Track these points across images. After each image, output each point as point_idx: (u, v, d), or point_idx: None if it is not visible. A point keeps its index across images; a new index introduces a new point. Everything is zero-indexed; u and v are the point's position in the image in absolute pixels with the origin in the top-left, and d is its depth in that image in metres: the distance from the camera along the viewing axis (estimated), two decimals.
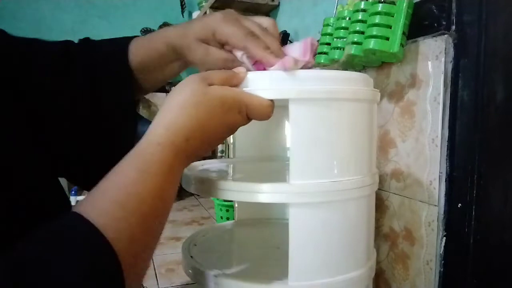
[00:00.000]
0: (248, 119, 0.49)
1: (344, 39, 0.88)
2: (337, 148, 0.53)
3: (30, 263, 0.28)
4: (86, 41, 0.63)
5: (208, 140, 0.45)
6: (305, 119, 0.51)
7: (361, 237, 0.57)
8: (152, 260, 1.39)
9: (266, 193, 0.51)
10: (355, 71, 0.99)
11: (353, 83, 0.54)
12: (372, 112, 0.58)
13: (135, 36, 0.62)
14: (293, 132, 0.51)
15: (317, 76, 0.52)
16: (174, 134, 0.41)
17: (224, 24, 0.51)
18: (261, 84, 0.50)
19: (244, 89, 0.50)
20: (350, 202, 0.55)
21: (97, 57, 0.59)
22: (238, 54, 0.53)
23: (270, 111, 0.49)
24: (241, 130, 0.51)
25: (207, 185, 0.57)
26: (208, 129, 0.44)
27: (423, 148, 0.78)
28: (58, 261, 0.29)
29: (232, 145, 0.95)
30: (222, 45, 0.53)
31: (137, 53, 0.59)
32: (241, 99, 0.47)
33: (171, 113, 0.43)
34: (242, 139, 0.90)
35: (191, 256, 0.65)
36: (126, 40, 0.61)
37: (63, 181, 0.57)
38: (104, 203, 0.35)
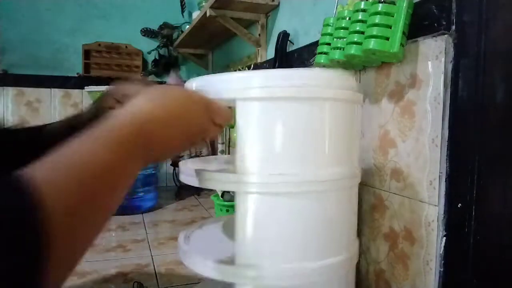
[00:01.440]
0: (214, 125, 0.51)
1: (344, 39, 0.88)
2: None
3: None
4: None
5: (171, 124, 0.44)
6: (252, 116, 0.59)
7: (320, 229, 0.62)
8: (152, 260, 1.39)
9: (216, 181, 0.61)
10: (355, 71, 0.99)
11: (333, 84, 0.62)
12: (354, 112, 0.64)
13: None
14: (240, 127, 0.59)
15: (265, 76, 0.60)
16: (132, 111, 0.42)
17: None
18: (222, 85, 0.59)
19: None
20: (298, 194, 0.61)
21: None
22: None
23: (230, 114, 0.53)
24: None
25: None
26: (171, 113, 0.44)
27: (423, 148, 0.78)
28: None
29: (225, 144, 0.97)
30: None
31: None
32: (207, 98, 0.51)
33: (135, 99, 0.44)
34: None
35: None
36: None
37: None
38: (51, 162, 0.34)
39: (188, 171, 0.66)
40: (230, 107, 0.55)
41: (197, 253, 0.66)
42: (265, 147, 0.60)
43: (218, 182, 0.62)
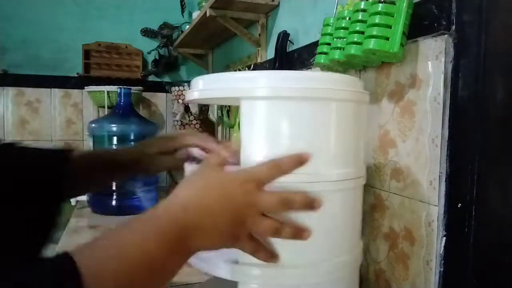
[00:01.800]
0: (261, 216, 0.47)
1: (344, 39, 0.88)
2: (294, 144, 0.58)
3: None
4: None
5: (207, 213, 0.43)
6: (256, 116, 0.58)
7: (326, 229, 0.60)
8: None
9: None
10: (355, 71, 0.99)
11: (339, 84, 0.61)
12: (360, 112, 0.63)
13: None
14: (244, 127, 0.58)
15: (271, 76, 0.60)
16: (172, 203, 0.43)
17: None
18: (225, 84, 0.59)
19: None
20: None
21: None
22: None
23: (280, 202, 0.49)
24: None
25: None
26: (205, 200, 0.44)
27: (423, 148, 0.78)
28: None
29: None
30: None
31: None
32: (256, 191, 0.48)
33: (178, 189, 0.46)
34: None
35: None
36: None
37: None
38: (96, 250, 0.36)
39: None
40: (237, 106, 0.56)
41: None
42: (273, 147, 0.58)
43: None
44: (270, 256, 0.50)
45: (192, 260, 0.66)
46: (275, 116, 0.58)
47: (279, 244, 0.56)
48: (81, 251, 0.35)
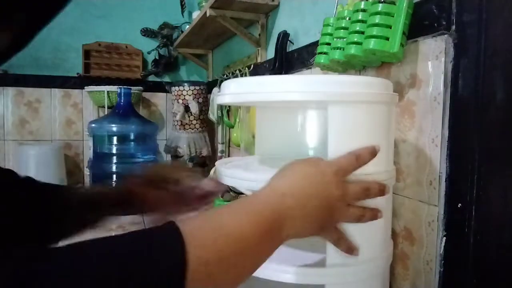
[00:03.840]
0: (348, 206, 0.50)
1: (344, 39, 0.88)
2: (365, 144, 0.58)
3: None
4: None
5: (303, 204, 0.45)
6: (342, 119, 0.58)
7: (378, 228, 0.62)
8: None
9: None
10: (355, 71, 0.99)
11: (377, 87, 0.61)
12: (391, 113, 0.64)
13: None
14: (330, 130, 0.58)
15: (349, 81, 0.60)
16: (270, 191, 0.46)
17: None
18: (295, 87, 0.58)
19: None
20: None
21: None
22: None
23: (365, 191, 0.52)
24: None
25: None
26: (302, 191, 0.46)
27: (423, 148, 0.78)
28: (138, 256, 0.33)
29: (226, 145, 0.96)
30: None
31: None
32: (341, 182, 0.50)
33: (274, 180, 0.48)
34: (262, 138, 0.90)
35: None
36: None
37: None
38: (199, 221, 0.39)
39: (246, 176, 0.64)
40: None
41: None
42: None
43: None
44: (351, 247, 0.53)
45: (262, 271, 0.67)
46: (359, 119, 0.59)
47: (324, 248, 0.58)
48: (183, 222, 0.37)
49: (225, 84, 0.66)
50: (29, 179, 0.59)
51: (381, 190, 0.53)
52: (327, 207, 0.47)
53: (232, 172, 0.67)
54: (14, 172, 0.58)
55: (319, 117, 0.82)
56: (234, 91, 0.64)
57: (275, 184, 0.47)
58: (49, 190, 0.62)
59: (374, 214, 0.53)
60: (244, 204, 0.44)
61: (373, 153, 0.53)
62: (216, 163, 0.75)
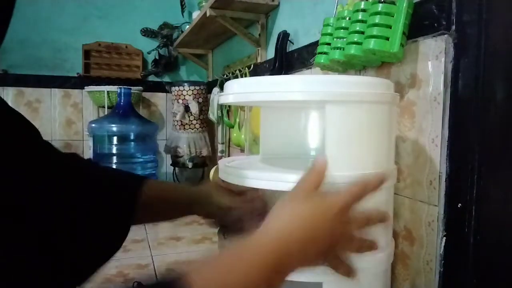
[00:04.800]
0: (349, 238, 0.51)
1: (344, 39, 0.88)
2: (365, 144, 0.59)
3: None
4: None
5: (308, 244, 0.46)
6: (339, 119, 0.58)
7: (379, 228, 0.62)
8: (152, 260, 1.39)
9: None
10: (355, 71, 0.99)
11: (379, 87, 0.62)
12: (392, 113, 0.64)
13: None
14: (328, 130, 0.58)
15: (352, 81, 0.60)
16: (274, 233, 0.46)
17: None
18: (297, 87, 0.58)
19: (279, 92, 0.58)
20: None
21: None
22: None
23: (364, 221, 0.52)
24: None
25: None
26: (307, 233, 0.47)
27: (423, 148, 0.78)
28: None
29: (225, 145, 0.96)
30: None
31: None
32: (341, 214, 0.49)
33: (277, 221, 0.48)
34: (265, 139, 0.90)
35: None
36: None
37: None
38: (208, 272, 0.41)
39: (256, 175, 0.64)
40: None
41: None
42: (355, 148, 0.60)
43: None
44: (350, 271, 0.54)
45: None
46: (355, 119, 0.59)
47: None
48: (195, 270, 0.39)
49: (228, 84, 0.67)
50: (98, 166, 0.62)
51: (382, 219, 0.53)
52: (329, 245, 0.48)
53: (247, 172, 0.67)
54: (78, 156, 0.59)
55: (323, 117, 0.82)
56: (236, 90, 0.65)
57: (278, 231, 0.46)
58: (126, 178, 0.64)
59: (371, 246, 0.53)
60: (251, 248, 0.45)
61: (382, 180, 0.52)
62: (219, 161, 0.75)
